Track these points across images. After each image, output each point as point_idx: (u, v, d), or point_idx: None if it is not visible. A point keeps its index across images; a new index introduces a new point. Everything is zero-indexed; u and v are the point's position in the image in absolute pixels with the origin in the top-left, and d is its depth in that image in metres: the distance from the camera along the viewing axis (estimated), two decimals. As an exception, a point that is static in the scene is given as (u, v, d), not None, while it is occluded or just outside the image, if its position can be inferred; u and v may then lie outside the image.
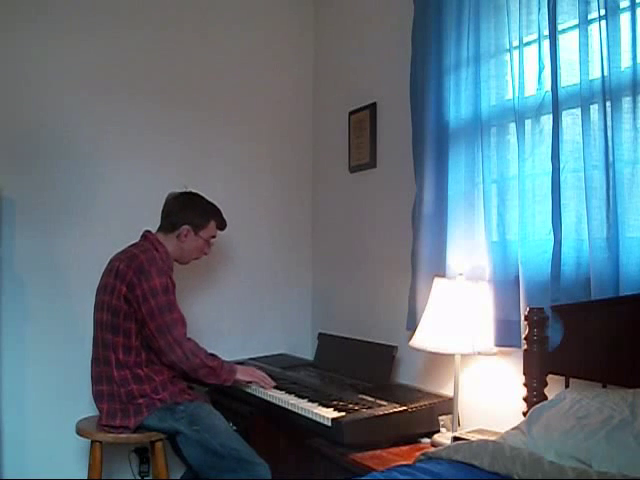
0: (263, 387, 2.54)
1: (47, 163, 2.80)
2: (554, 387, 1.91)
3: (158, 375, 2.37)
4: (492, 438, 1.69)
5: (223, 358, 2.52)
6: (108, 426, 2.33)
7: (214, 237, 2.61)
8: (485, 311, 2.12)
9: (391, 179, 2.85)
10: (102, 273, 2.48)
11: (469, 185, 2.29)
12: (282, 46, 3.42)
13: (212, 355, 2.45)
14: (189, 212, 2.51)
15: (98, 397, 2.38)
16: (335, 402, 2.27)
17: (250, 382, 2.56)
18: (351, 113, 3.12)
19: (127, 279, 2.33)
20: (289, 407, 2.34)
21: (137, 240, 2.53)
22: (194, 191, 2.59)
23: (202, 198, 2.59)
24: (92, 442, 2.36)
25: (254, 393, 2.56)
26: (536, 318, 1.95)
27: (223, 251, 3.19)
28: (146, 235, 2.53)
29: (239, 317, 3.23)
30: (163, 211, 2.56)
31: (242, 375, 2.54)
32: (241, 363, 2.89)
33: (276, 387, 2.56)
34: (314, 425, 2.17)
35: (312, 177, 3.49)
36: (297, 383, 2.61)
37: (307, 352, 3.32)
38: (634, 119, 1.75)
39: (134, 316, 2.33)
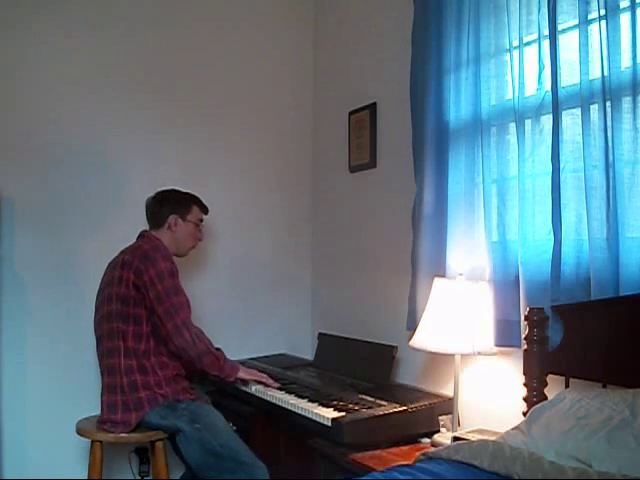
0: (268, 385, 2.55)
1: (47, 163, 2.80)
2: (554, 387, 1.91)
3: (163, 369, 2.38)
4: (492, 438, 1.69)
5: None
6: (109, 421, 2.33)
7: (202, 220, 2.67)
8: (485, 311, 2.12)
9: (391, 179, 2.85)
10: (103, 273, 2.51)
11: (469, 185, 2.29)
12: (282, 46, 3.42)
13: (217, 349, 2.48)
14: (170, 203, 2.60)
15: (102, 390, 2.40)
16: (335, 402, 2.27)
17: (254, 380, 2.57)
18: (351, 113, 3.12)
19: (134, 266, 2.37)
20: (289, 407, 2.34)
21: (134, 241, 2.56)
22: (168, 187, 2.66)
23: (177, 190, 2.66)
24: (92, 442, 2.36)
25: (254, 393, 2.56)
26: (536, 318, 1.95)
27: (223, 251, 3.19)
28: (143, 234, 2.59)
29: (239, 317, 3.23)
30: (147, 214, 2.63)
31: (245, 374, 2.55)
32: (241, 363, 2.89)
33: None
34: (314, 425, 2.17)
35: (312, 177, 3.49)
36: (297, 383, 2.61)
37: (307, 352, 3.31)
38: (634, 119, 1.75)
39: (143, 302, 2.36)
